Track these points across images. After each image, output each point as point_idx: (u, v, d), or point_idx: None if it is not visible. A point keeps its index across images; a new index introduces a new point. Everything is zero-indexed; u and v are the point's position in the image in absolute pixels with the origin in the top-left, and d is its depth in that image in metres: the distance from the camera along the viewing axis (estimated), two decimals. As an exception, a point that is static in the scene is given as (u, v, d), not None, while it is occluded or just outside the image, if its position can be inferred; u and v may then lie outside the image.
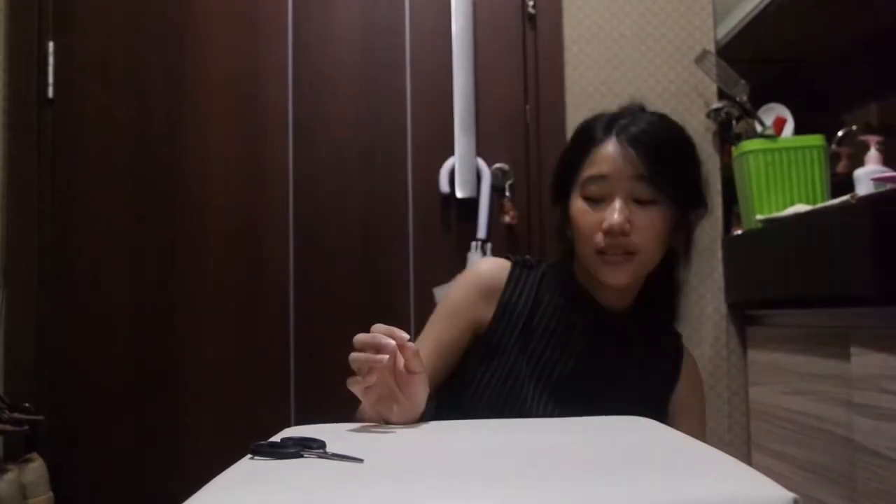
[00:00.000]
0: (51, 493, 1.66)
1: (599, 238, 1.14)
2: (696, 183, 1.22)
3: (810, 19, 1.87)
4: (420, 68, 2.05)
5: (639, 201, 1.14)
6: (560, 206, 1.25)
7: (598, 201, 1.15)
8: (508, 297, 1.23)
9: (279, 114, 2.02)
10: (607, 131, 1.17)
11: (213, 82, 2.02)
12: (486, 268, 1.27)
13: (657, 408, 1.22)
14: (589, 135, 1.19)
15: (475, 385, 1.20)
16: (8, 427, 1.57)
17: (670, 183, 1.15)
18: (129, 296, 1.98)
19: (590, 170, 1.16)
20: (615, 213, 1.12)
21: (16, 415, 1.61)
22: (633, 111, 1.21)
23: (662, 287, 1.26)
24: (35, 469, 1.64)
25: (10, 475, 1.55)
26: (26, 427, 1.64)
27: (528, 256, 1.31)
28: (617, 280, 1.16)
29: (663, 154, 1.15)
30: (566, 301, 1.23)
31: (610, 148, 1.15)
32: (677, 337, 1.31)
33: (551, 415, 1.16)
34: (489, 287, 1.24)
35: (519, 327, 1.22)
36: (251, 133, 2.02)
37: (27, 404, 1.69)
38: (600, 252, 1.14)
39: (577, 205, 1.17)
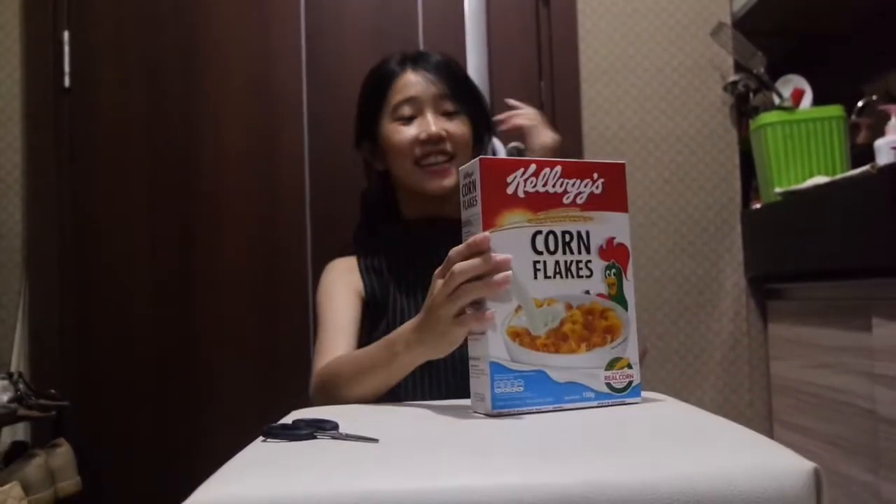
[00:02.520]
0: (78, 478, 1.69)
1: (418, 150, 1.29)
2: (482, 105, 1.42)
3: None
4: (433, 46, 2.02)
5: (445, 114, 1.32)
6: (365, 146, 1.41)
7: (409, 120, 1.31)
8: (364, 262, 1.36)
9: (293, 98, 2.02)
10: (402, 65, 1.35)
11: (226, 68, 2.02)
12: (335, 258, 1.40)
13: None
14: (386, 72, 1.37)
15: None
16: (35, 413, 1.59)
17: (467, 99, 1.35)
18: (149, 281, 1.99)
19: (397, 96, 1.33)
20: (430, 123, 1.30)
21: (42, 401, 1.63)
22: (418, 51, 1.41)
23: None
24: (62, 454, 1.66)
25: (39, 460, 1.57)
26: (53, 413, 1.66)
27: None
28: (443, 185, 1.30)
29: (457, 78, 1.36)
30: (412, 232, 1.37)
31: (411, 76, 1.33)
32: None
33: None
34: (346, 264, 1.37)
35: (387, 279, 1.33)
36: (266, 118, 2.02)
37: (53, 390, 1.71)
38: (419, 164, 1.30)
39: (391, 128, 1.33)
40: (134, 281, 1.99)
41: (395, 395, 1.11)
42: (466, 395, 0.91)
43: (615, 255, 0.89)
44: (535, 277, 0.84)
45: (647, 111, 2.02)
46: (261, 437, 0.78)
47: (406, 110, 1.32)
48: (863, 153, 1.77)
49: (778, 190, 1.78)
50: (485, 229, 0.83)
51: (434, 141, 1.29)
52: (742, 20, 2.00)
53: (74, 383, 1.94)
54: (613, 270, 0.89)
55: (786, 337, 1.87)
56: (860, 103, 1.86)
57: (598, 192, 0.88)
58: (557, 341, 0.85)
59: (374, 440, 0.72)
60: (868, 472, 1.47)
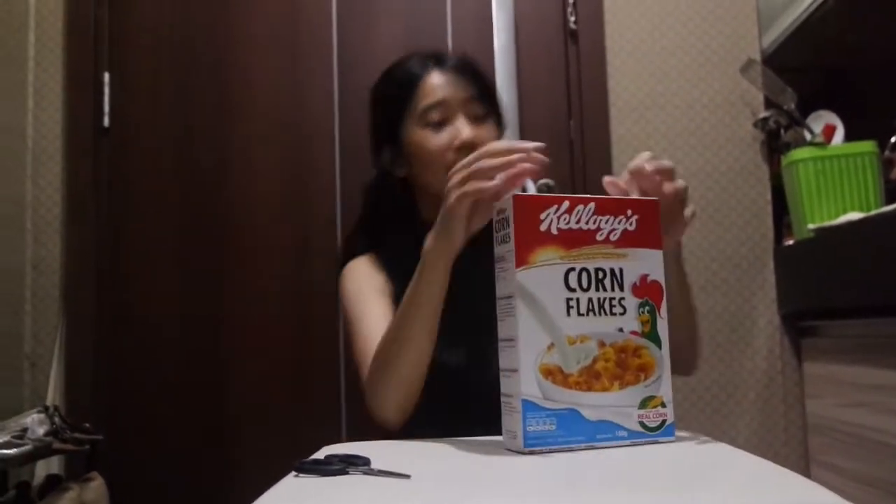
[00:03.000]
0: (111, 512, 1.70)
1: (451, 157, 1.19)
2: (502, 108, 1.34)
3: (857, 24, 1.84)
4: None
5: (475, 118, 1.24)
6: (387, 151, 1.31)
7: (439, 125, 1.23)
8: (386, 263, 1.29)
9: (325, 135, 2.05)
10: (424, 67, 1.26)
11: (259, 106, 2.07)
12: (354, 260, 1.33)
13: None
14: (407, 75, 1.27)
15: None
16: (70, 446, 1.60)
17: (493, 99, 1.29)
18: (182, 317, 2.02)
19: (424, 101, 1.24)
20: (465, 128, 1.22)
21: (77, 434, 1.64)
22: (436, 50, 1.32)
23: None
24: (95, 488, 1.68)
25: (72, 493, 1.58)
26: (87, 446, 1.67)
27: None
28: None
29: (482, 78, 1.29)
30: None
31: (436, 78, 1.25)
32: None
33: (460, 347, 1.18)
34: (368, 264, 1.30)
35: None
36: (298, 156, 2.05)
37: (87, 424, 1.73)
38: None
39: (420, 134, 1.24)
40: (167, 317, 2.02)
41: (423, 424, 1.09)
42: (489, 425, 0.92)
43: (649, 292, 0.88)
44: (569, 314, 0.85)
45: (677, 147, 2.02)
46: (293, 472, 0.78)
47: (435, 115, 1.24)
48: (897, 189, 1.76)
49: (811, 226, 1.77)
50: (518, 266, 0.83)
51: (468, 148, 1.18)
52: (772, 56, 2.01)
53: (108, 418, 1.96)
54: (647, 308, 0.88)
55: (821, 375, 1.84)
56: (893, 139, 1.85)
57: (631, 228, 0.88)
58: (590, 379, 0.85)
59: (406, 476, 0.72)
60: (909, 514, 1.44)
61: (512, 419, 0.84)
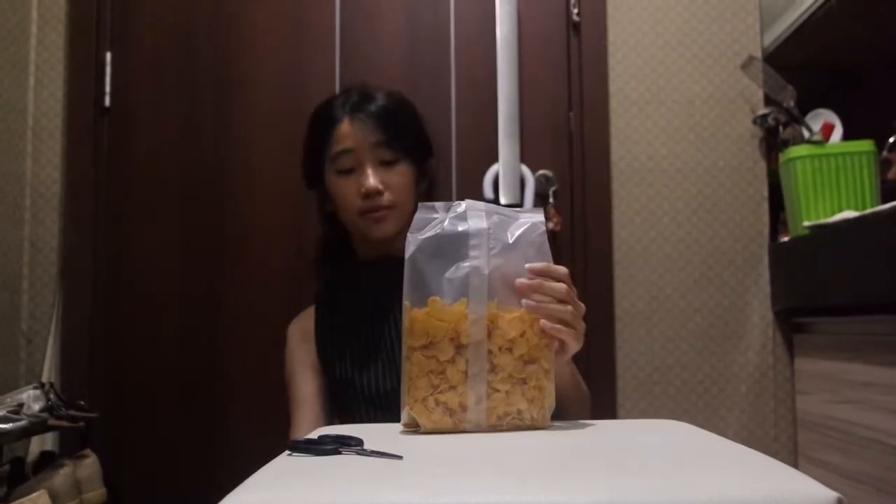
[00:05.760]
0: (104, 489, 1.71)
1: (360, 202, 1.31)
2: (422, 138, 1.41)
3: (859, 25, 1.84)
4: (464, 75, 2.06)
5: (384, 163, 1.32)
6: (317, 190, 1.43)
7: (349, 172, 1.32)
8: (322, 318, 1.40)
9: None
10: (342, 111, 1.34)
11: (261, 91, 2.07)
12: (293, 321, 1.46)
13: None
14: (324, 120, 1.36)
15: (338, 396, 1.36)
16: (64, 423, 1.61)
17: (405, 143, 1.35)
18: (179, 297, 2.02)
19: (336, 147, 1.33)
20: (369, 178, 1.30)
21: (71, 412, 1.65)
22: (361, 90, 1.38)
23: None
24: (89, 465, 1.69)
25: (66, 470, 1.59)
26: (81, 424, 1.68)
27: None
28: (385, 231, 1.32)
29: (395, 124, 1.34)
30: (363, 273, 1.41)
31: (346, 126, 1.33)
32: None
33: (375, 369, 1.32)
34: (302, 329, 1.42)
35: (342, 327, 1.37)
36: (298, 140, 2.05)
37: (82, 402, 1.74)
38: (363, 213, 1.32)
39: (333, 180, 1.35)
40: (164, 297, 2.02)
41: None
42: None
43: None
44: None
45: (676, 142, 2.03)
46: (287, 452, 0.79)
47: (345, 162, 1.32)
48: (893, 189, 1.76)
49: (806, 223, 1.78)
50: None
51: (373, 195, 1.30)
52: (773, 54, 2.01)
53: (103, 396, 1.96)
54: None
55: (812, 371, 1.85)
56: (891, 139, 1.86)
57: None
58: None
59: (399, 457, 0.73)
60: (894, 510, 1.45)
61: None
